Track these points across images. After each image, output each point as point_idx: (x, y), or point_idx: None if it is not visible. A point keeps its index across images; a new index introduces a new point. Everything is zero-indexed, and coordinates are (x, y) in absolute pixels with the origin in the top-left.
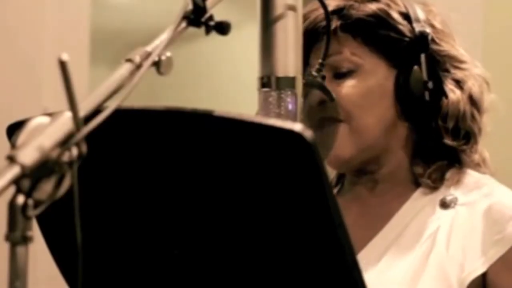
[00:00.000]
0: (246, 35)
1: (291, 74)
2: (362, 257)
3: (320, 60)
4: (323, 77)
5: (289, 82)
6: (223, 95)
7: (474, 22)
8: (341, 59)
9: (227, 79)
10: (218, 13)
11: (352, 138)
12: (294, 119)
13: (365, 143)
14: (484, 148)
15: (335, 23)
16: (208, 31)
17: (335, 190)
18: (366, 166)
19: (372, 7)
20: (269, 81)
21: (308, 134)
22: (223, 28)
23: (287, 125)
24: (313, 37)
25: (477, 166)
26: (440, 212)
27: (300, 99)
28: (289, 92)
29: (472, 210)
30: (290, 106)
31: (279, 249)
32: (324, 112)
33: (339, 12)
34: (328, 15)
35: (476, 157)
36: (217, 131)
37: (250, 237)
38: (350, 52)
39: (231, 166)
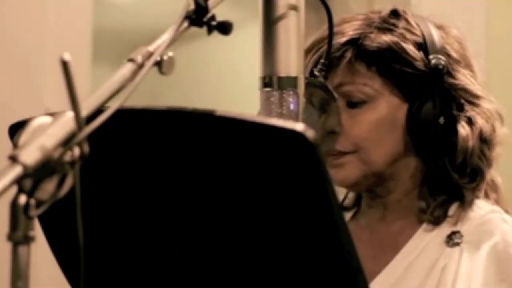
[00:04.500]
0: (248, 35)
1: (293, 74)
2: None
3: (322, 60)
4: (325, 77)
5: (291, 82)
6: (225, 95)
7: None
8: (354, 89)
9: (228, 79)
10: (219, 12)
11: (360, 166)
12: (296, 119)
13: (372, 170)
14: (497, 175)
15: (350, 52)
16: (210, 31)
17: (349, 216)
18: (375, 189)
19: (387, 39)
20: (271, 81)
21: (310, 134)
22: (225, 28)
23: (289, 125)
24: (328, 66)
25: (485, 198)
26: (445, 249)
27: (302, 99)
28: (291, 92)
29: (477, 249)
30: (292, 106)
31: (281, 249)
32: (332, 143)
33: (354, 42)
34: (330, 14)
35: (481, 194)
36: (219, 131)
37: (252, 237)
38: (363, 83)
39: (232, 166)
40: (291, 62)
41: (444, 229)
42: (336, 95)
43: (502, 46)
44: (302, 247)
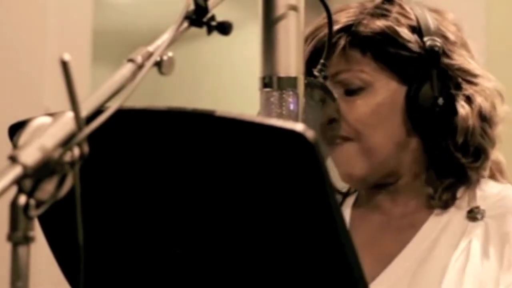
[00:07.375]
0: (248, 35)
1: (293, 74)
2: (392, 272)
3: (322, 60)
4: (325, 77)
5: (291, 82)
6: (225, 95)
7: (477, 32)
8: (350, 76)
9: (228, 79)
10: (219, 12)
11: (364, 157)
12: (295, 119)
13: (377, 161)
14: (500, 155)
15: (344, 40)
16: (210, 31)
17: (351, 200)
18: (383, 180)
19: (380, 24)
20: (270, 81)
21: (309, 134)
22: (224, 28)
23: (289, 125)
24: (322, 55)
25: (491, 178)
26: (469, 224)
27: (302, 99)
28: (290, 92)
29: (502, 223)
30: (291, 106)
31: (280, 249)
32: (334, 131)
33: (347, 29)
34: (330, 14)
35: (486, 173)
36: (218, 131)
37: (251, 238)
38: (359, 69)
39: (232, 166)
40: (291, 62)
41: (462, 207)
42: (336, 95)
43: (503, 37)
44: (301, 247)
